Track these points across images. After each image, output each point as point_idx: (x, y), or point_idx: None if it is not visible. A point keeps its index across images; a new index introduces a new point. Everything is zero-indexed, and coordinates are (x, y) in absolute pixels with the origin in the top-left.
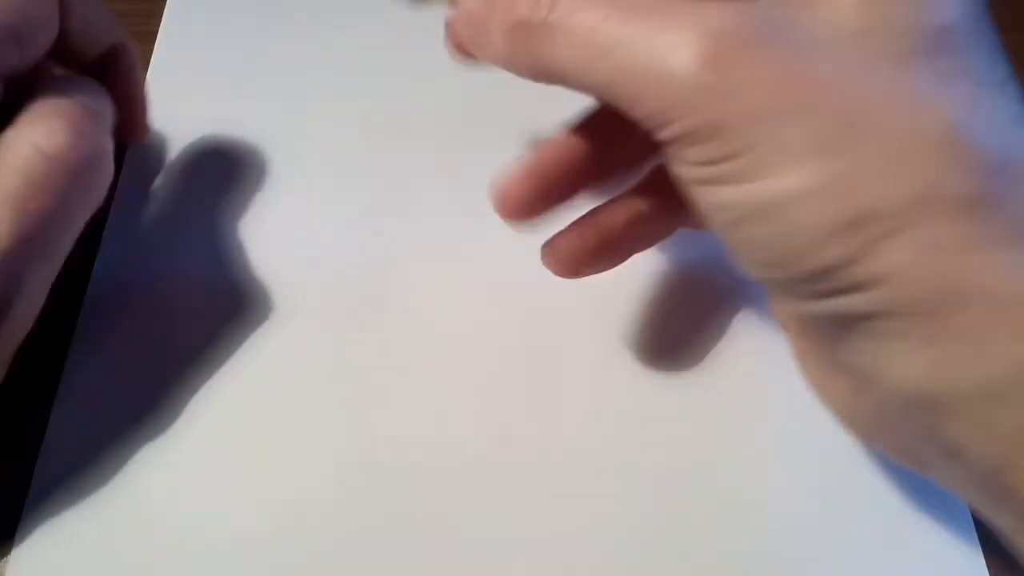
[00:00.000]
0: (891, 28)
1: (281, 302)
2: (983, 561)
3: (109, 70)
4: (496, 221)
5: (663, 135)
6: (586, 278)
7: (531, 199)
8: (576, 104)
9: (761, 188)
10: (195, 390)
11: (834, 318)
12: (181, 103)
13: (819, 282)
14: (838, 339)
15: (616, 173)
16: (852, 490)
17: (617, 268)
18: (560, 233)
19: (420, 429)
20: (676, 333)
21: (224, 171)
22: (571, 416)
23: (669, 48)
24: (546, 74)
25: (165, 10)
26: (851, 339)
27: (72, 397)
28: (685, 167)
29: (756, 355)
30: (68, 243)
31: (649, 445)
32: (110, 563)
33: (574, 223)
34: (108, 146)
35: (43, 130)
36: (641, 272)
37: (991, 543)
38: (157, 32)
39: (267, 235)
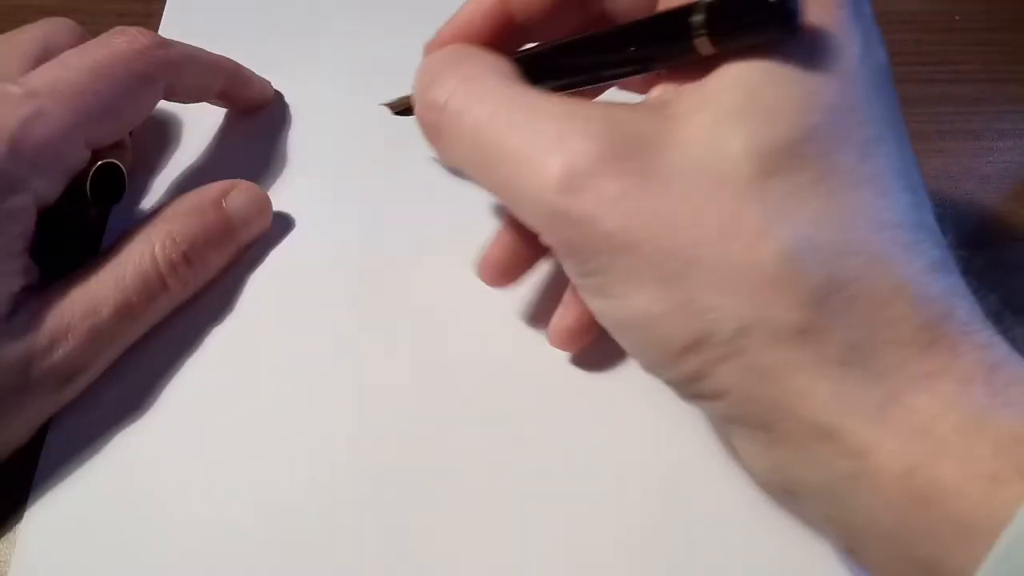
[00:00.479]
0: (738, 151)
1: (282, 300)
2: None
3: (226, 98)
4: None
5: (543, 242)
6: None
7: (506, 266)
8: None
9: (619, 306)
10: (196, 387)
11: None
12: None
13: (679, 389)
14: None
15: None
16: None
17: None
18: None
19: (421, 428)
20: None
21: (223, 171)
22: (572, 416)
23: (533, 170)
24: (458, 171)
25: (165, 10)
26: (725, 435)
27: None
28: (567, 271)
29: None
30: (133, 337)
31: (652, 445)
32: (111, 561)
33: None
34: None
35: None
36: None
37: None
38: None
39: (267, 233)
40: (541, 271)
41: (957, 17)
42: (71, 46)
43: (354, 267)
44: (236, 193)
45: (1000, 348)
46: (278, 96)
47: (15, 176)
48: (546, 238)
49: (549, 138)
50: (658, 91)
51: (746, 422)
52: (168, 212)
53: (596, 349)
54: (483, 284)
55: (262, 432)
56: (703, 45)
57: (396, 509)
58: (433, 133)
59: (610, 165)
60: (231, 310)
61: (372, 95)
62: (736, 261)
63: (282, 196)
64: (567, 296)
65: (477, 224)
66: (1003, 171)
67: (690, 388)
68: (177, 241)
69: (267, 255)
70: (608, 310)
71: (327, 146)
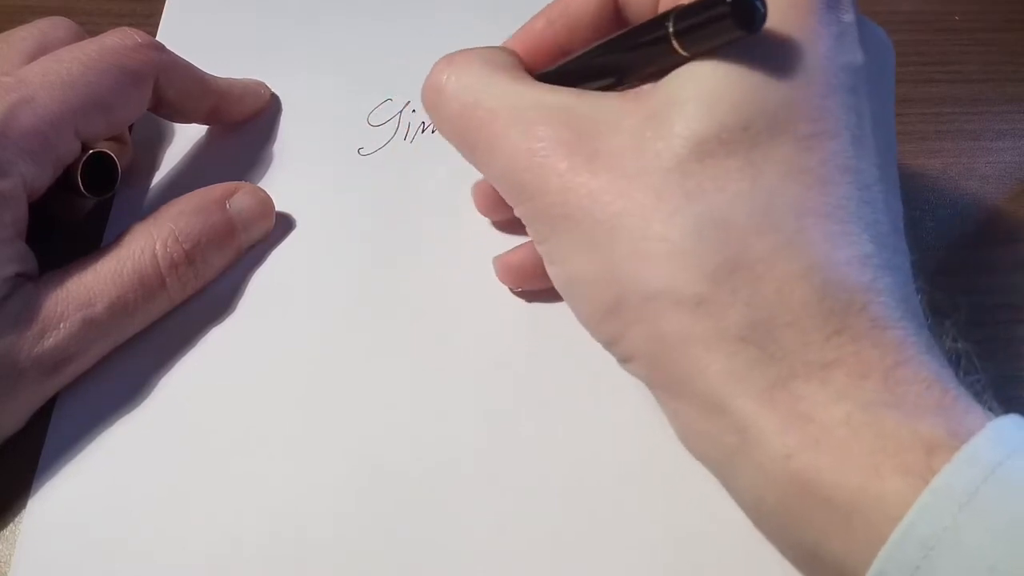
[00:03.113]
0: (675, 136)
1: (283, 300)
2: None
3: (216, 117)
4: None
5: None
6: None
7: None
8: None
9: (560, 270)
10: (196, 387)
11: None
12: None
13: (609, 351)
14: None
15: None
16: None
17: None
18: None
19: (421, 429)
20: None
21: (224, 169)
22: (573, 416)
23: (503, 151)
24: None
25: (164, 11)
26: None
27: (74, 393)
28: (531, 236)
29: None
30: (126, 333)
31: (655, 446)
32: (111, 561)
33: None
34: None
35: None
36: None
37: None
38: (156, 33)
39: (268, 237)
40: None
41: (957, 17)
42: (68, 44)
43: (354, 267)
44: (240, 195)
45: (911, 348)
46: (277, 97)
47: (2, 160)
48: (514, 210)
49: (518, 124)
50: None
51: (659, 387)
52: (172, 210)
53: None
54: (484, 283)
55: (263, 431)
56: (675, 48)
57: (396, 509)
58: (431, 111)
59: (564, 146)
60: (232, 310)
61: (372, 95)
62: (651, 234)
63: (283, 196)
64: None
65: (478, 224)
66: (1003, 171)
67: (613, 350)
68: (180, 240)
69: (268, 255)
70: (555, 274)
71: (327, 146)
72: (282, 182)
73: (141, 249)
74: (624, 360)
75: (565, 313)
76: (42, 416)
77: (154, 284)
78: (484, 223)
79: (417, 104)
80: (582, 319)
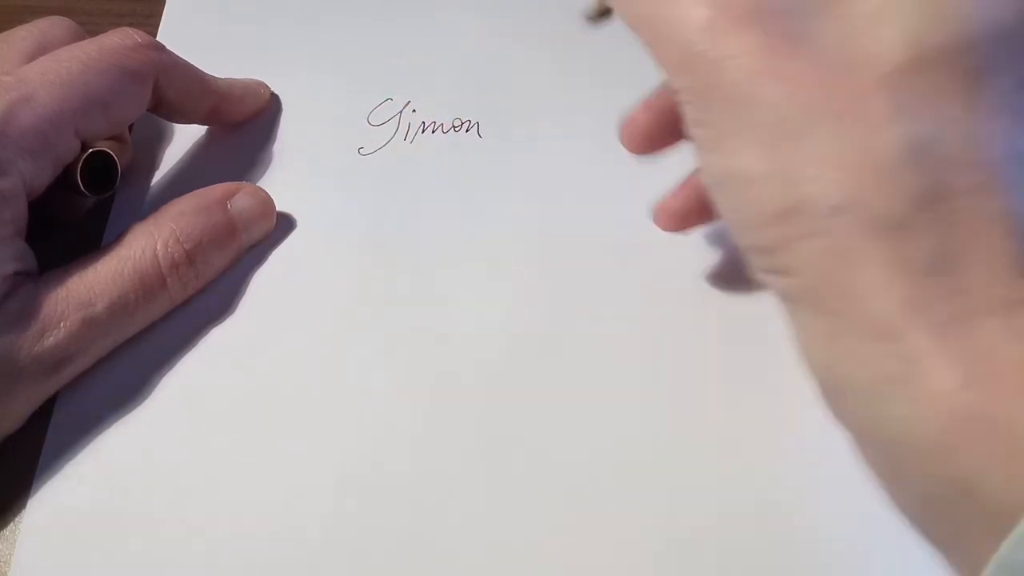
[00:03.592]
0: (893, 39)
1: (282, 299)
2: None
3: (216, 117)
4: (506, 217)
5: (671, 84)
6: (596, 278)
7: (652, 131)
8: None
9: (724, 162)
10: (197, 388)
11: (774, 293)
12: None
13: (757, 258)
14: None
15: None
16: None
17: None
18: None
19: (422, 429)
20: (692, 331)
21: (225, 169)
22: (574, 417)
23: (682, 6)
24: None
25: (164, 11)
26: (789, 317)
27: (74, 393)
28: (686, 119)
29: (769, 351)
30: (126, 333)
31: (656, 446)
32: (111, 561)
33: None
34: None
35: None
36: (654, 272)
37: None
38: (156, 33)
39: (268, 237)
40: (550, 276)
41: None
42: (67, 44)
43: (354, 267)
44: (241, 195)
45: None
46: (277, 97)
47: (1, 159)
48: (676, 80)
49: None
50: None
51: (813, 305)
52: (173, 210)
53: (604, 353)
54: (484, 283)
55: (263, 431)
56: None
57: (397, 509)
58: None
59: (761, 18)
60: (232, 309)
61: (372, 95)
62: (852, 141)
63: (282, 195)
64: (683, 182)
65: (479, 224)
66: None
67: (768, 259)
68: (180, 240)
69: (268, 255)
70: (713, 164)
71: (327, 146)
72: (282, 182)
73: (142, 249)
74: (778, 271)
75: (566, 313)
76: (42, 416)
77: (155, 284)
78: (484, 223)
79: (417, 104)
80: (737, 219)
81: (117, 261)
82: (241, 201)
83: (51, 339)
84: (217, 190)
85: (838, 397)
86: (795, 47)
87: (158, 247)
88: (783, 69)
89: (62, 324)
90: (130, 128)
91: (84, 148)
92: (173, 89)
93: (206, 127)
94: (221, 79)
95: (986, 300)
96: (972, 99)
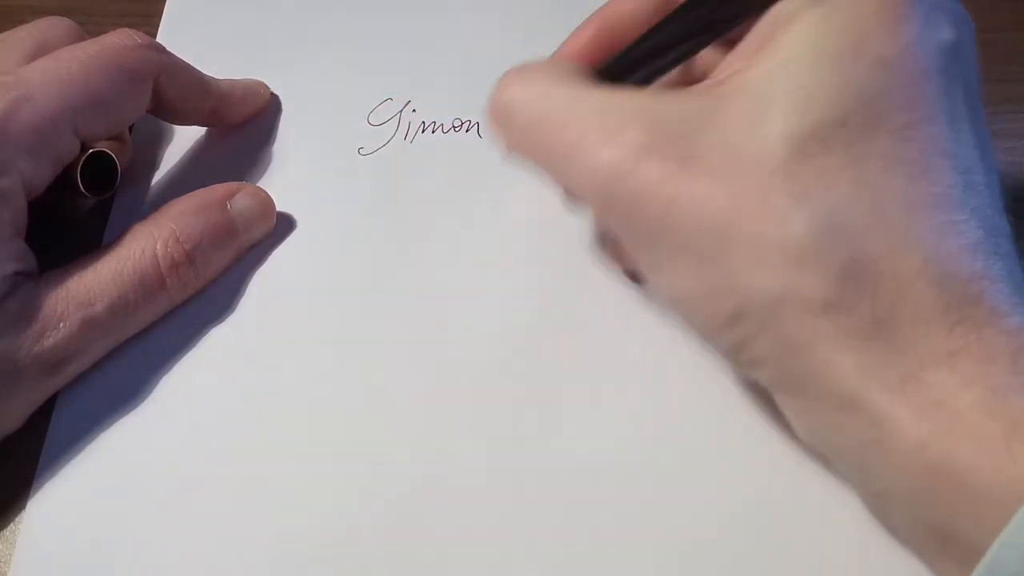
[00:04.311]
0: (773, 137)
1: (282, 299)
2: None
3: (216, 119)
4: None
5: (600, 224)
6: (597, 278)
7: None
8: None
9: (666, 285)
10: (198, 388)
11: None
12: None
13: (729, 358)
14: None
15: None
16: None
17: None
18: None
19: (422, 429)
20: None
21: (224, 169)
22: (576, 417)
23: (586, 161)
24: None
25: (164, 11)
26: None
27: (75, 393)
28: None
29: None
30: (126, 333)
31: (658, 447)
32: (111, 561)
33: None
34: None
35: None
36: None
37: None
38: (156, 33)
39: (264, 245)
40: (551, 280)
41: None
42: (67, 44)
43: (354, 267)
44: (242, 195)
45: None
46: (276, 97)
47: (1, 158)
48: (602, 222)
49: (599, 131)
50: (709, 72)
51: (784, 389)
52: (173, 210)
53: (598, 349)
54: (485, 283)
55: (263, 431)
56: None
57: (397, 509)
58: (501, 130)
59: (654, 151)
60: (232, 309)
61: (372, 94)
62: (766, 239)
63: (282, 195)
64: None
65: (479, 224)
66: (1003, 171)
67: (735, 357)
68: (180, 240)
69: (268, 255)
70: (658, 288)
71: (327, 145)
72: (282, 181)
73: (142, 249)
74: (747, 366)
75: (567, 312)
76: (42, 416)
77: (154, 284)
78: (484, 223)
79: (417, 104)
80: (697, 332)
81: (117, 261)
82: (241, 201)
83: (51, 339)
84: (217, 190)
85: (827, 460)
86: (691, 169)
87: (158, 247)
88: (689, 193)
89: (62, 324)
90: (130, 129)
91: (84, 148)
92: (173, 90)
93: (208, 129)
94: (221, 80)
95: (929, 354)
96: (857, 168)
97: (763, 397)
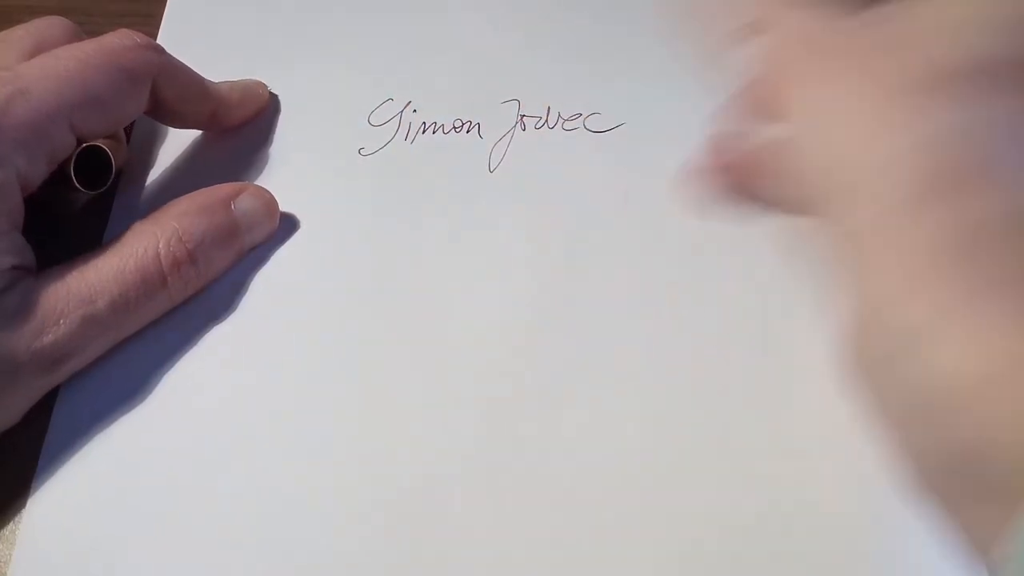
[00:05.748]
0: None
1: (283, 299)
2: None
3: (215, 122)
4: (507, 218)
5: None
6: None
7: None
8: None
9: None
10: (199, 388)
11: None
12: None
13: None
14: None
15: None
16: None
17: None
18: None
19: (425, 428)
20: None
21: (225, 169)
22: (576, 417)
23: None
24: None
25: (165, 12)
26: (838, 260)
27: (75, 393)
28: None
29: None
30: (127, 331)
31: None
32: (111, 561)
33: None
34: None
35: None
36: (656, 271)
37: None
38: (156, 34)
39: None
40: (546, 275)
41: None
42: (65, 43)
43: (355, 267)
44: (245, 195)
45: None
46: (277, 97)
47: None
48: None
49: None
50: None
51: (861, 255)
52: (176, 209)
53: (599, 349)
54: (486, 283)
55: (264, 431)
56: None
57: (397, 510)
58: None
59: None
60: (233, 309)
61: (373, 94)
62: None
63: (283, 195)
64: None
65: (480, 224)
66: None
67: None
68: (183, 239)
69: (269, 255)
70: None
71: (328, 146)
72: (282, 181)
73: (144, 248)
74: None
75: (567, 312)
76: (42, 415)
77: (156, 283)
78: (485, 223)
79: (418, 104)
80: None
81: (119, 259)
82: (245, 202)
83: (50, 335)
84: (221, 190)
85: (874, 350)
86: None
87: (160, 246)
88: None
89: (62, 321)
90: (129, 131)
91: (79, 145)
92: (171, 91)
93: (199, 140)
94: (221, 84)
95: (999, 277)
96: (989, 102)
97: (762, 398)
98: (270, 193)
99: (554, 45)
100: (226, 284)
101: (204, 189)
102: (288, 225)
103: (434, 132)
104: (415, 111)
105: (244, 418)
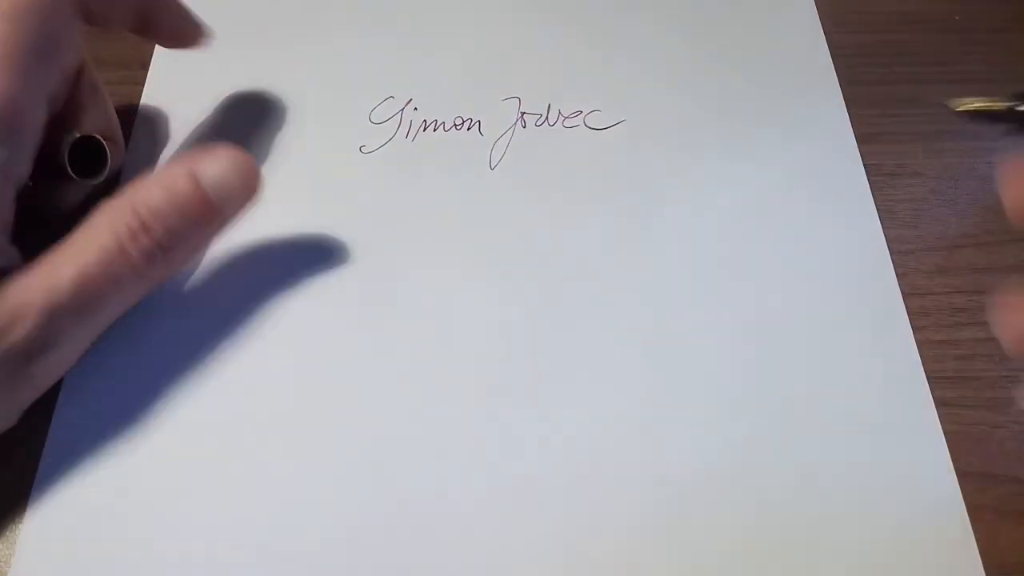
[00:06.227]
0: None
1: (283, 298)
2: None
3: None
4: (507, 215)
5: None
6: (598, 278)
7: None
8: None
9: None
10: (198, 391)
11: None
12: (180, 104)
13: None
14: None
15: None
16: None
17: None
18: None
19: (425, 428)
20: (693, 334)
21: None
22: (576, 419)
23: None
24: None
25: None
26: None
27: (75, 394)
28: None
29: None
30: (102, 316)
31: (659, 451)
32: (111, 562)
33: None
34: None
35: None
36: (656, 271)
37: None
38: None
39: (268, 235)
40: (547, 273)
41: (957, 17)
42: None
43: (355, 265)
44: (210, 163)
45: None
46: (277, 95)
47: None
48: None
49: None
50: None
51: None
52: (137, 188)
53: (599, 349)
54: (486, 283)
55: (264, 433)
56: None
57: (398, 511)
58: None
59: None
60: (232, 310)
61: (374, 92)
62: None
63: (284, 193)
64: None
65: (482, 222)
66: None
67: None
68: (144, 221)
69: (268, 254)
70: None
71: (329, 143)
72: (283, 179)
73: (104, 229)
74: None
75: (568, 312)
76: (43, 417)
77: (120, 268)
78: (485, 221)
79: (419, 102)
80: None
81: (81, 243)
82: (210, 170)
83: (19, 330)
84: (183, 162)
85: None
86: None
87: (119, 226)
88: None
89: (27, 313)
90: (129, 134)
91: (56, 123)
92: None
93: (204, 120)
94: None
95: None
96: None
97: (762, 401)
98: (244, 156)
99: (554, 42)
100: (225, 285)
101: (167, 164)
102: (288, 223)
103: (435, 129)
104: (416, 108)
105: (244, 420)
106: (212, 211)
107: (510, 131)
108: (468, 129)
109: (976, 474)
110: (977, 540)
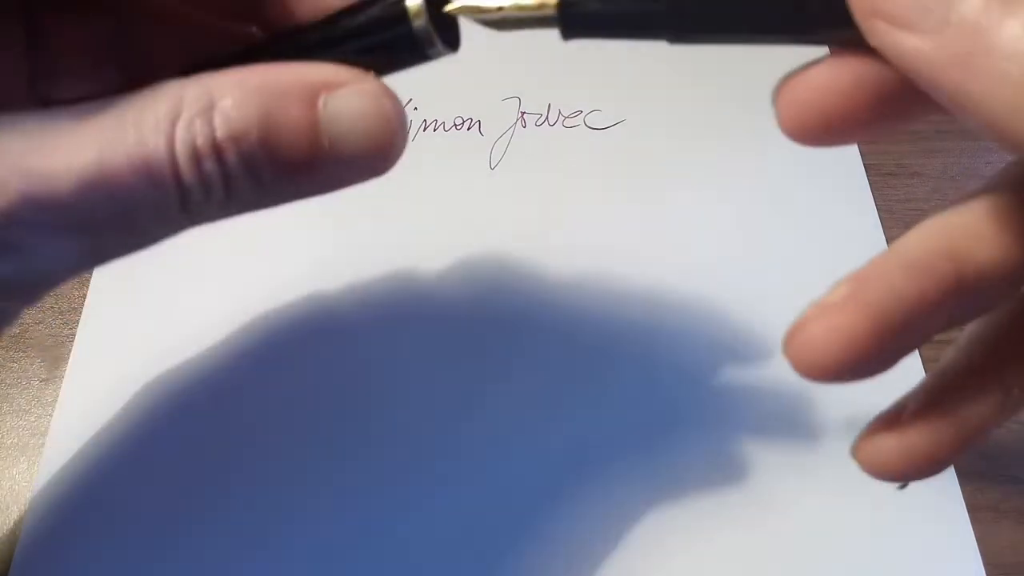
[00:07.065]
0: None
1: (282, 299)
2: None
3: None
4: (507, 215)
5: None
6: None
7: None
8: None
9: None
10: (198, 388)
11: None
12: None
13: None
14: None
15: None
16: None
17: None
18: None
19: (425, 428)
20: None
21: None
22: (575, 421)
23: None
24: None
25: None
26: None
27: (75, 393)
28: None
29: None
30: (119, 246)
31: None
32: (110, 563)
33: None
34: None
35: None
36: (656, 270)
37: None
38: None
39: (268, 237)
40: (548, 272)
41: None
42: None
43: (354, 265)
44: (348, 92)
45: None
46: None
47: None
48: None
49: None
50: None
51: None
52: (230, 77)
53: (600, 349)
54: (486, 282)
55: (264, 433)
56: None
57: (398, 513)
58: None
59: None
60: (232, 310)
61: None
62: None
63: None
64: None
65: (482, 221)
66: None
67: None
68: (215, 122)
69: (268, 254)
70: None
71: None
72: None
73: (156, 117)
74: None
75: (567, 311)
76: (43, 416)
77: (158, 174)
78: (485, 221)
79: (418, 102)
80: None
81: (114, 124)
82: (343, 101)
83: None
84: (311, 72)
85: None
86: None
87: (180, 122)
88: None
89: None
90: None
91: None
92: None
93: None
94: None
95: None
96: None
97: (762, 403)
98: (394, 100)
99: (554, 42)
100: (225, 284)
101: (287, 64)
102: (287, 224)
103: (435, 130)
104: (416, 109)
105: (244, 418)
106: (318, 154)
107: (510, 131)
108: (468, 129)
109: (976, 474)
110: (977, 540)
